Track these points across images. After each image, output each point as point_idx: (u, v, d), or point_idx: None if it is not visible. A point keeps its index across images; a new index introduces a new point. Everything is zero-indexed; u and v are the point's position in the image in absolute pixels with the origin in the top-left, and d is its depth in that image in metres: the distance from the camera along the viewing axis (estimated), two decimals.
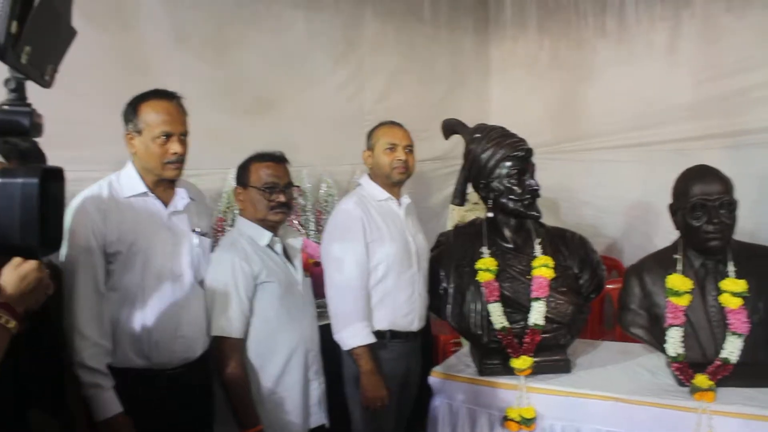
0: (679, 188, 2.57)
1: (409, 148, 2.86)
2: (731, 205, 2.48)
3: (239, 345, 2.41)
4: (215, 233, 2.99)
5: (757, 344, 2.45)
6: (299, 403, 2.52)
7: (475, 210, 3.89)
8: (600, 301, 4.01)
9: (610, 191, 4.61)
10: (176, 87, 2.38)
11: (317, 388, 2.61)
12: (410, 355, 2.87)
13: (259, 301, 2.44)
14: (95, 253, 2.17)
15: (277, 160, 2.55)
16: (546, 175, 4.73)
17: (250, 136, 3.20)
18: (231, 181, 2.65)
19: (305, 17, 4.02)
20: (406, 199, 2.90)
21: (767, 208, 3.65)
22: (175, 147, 2.26)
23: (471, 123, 2.93)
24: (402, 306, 2.78)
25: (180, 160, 2.30)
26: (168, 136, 2.26)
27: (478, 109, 4.92)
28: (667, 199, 2.65)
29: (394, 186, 2.86)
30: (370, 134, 2.90)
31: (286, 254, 2.58)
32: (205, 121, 3.14)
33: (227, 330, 2.38)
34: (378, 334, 2.73)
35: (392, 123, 2.91)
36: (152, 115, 2.25)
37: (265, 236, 2.50)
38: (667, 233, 2.77)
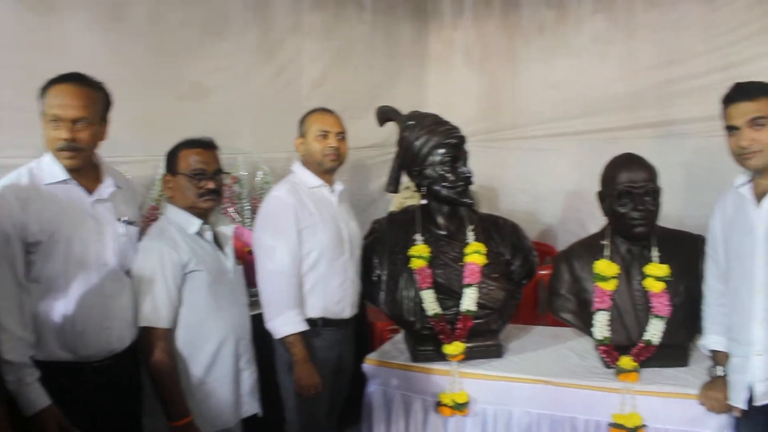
0: (606, 176, 2.64)
1: (341, 135, 2.84)
2: (656, 193, 2.55)
3: (167, 335, 2.35)
4: (148, 221, 2.92)
5: (678, 326, 2.54)
6: (231, 392, 2.49)
7: (414, 197, 3.91)
8: (534, 286, 4.09)
9: (544, 179, 4.71)
10: (106, 71, 2.30)
11: (249, 377, 2.59)
12: (343, 342, 2.87)
13: (187, 290, 2.39)
14: (14, 243, 2.08)
15: (206, 146, 2.50)
16: (483, 163, 4.81)
17: (185, 123, 3.12)
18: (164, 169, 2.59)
19: (243, 2, 3.96)
20: (339, 186, 2.89)
21: (693, 194, 3.77)
22: (61, 133, 2.14)
23: (408, 110, 2.93)
24: (334, 293, 2.77)
25: (72, 148, 2.16)
26: (58, 120, 2.14)
27: (415, 97, 4.94)
28: (598, 186, 2.71)
29: (326, 173, 2.84)
30: (302, 121, 2.87)
31: (217, 242, 2.54)
32: (138, 107, 3.10)
33: (154, 320, 2.33)
34: (310, 321, 2.72)
35: (324, 110, 2.88)
36: (49, 98, 2.15)
37: (194, 224, 2.45)
38: (599, 219, 2.82)
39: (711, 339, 2.44)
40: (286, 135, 3.02)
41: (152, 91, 3.42)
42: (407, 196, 4.01)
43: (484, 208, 4.62)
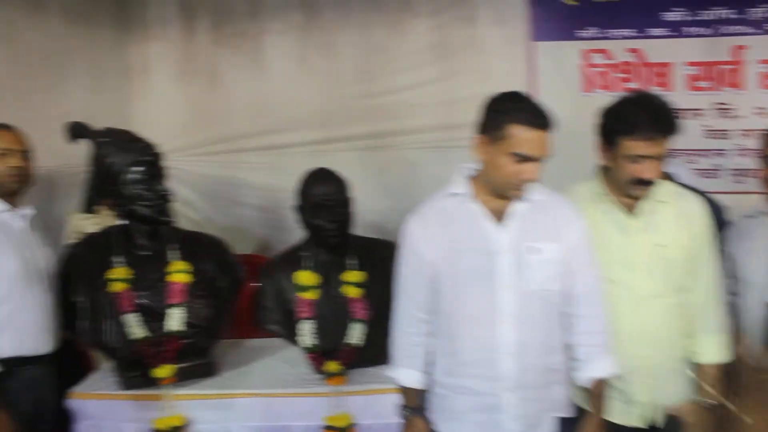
0: (301, 190, 2.74)
1: (26, 154, 2.63)
2: (347, 204, 2.71)
3: None
4: None
5: (376, 327, 2.72)
6: None
7: (93, 219, 3.69)
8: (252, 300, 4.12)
9: (261, 191, 4.76)
10: None
11: None
12: (43, 379, 2.65)
13: None
14: None
15: None
16: (198, 179, 4.76)
17: None
18: None
19: None
20: (28, 211, 2.67)
21: (388, 202, 4.08)
22: None
23: (112, 126, 2.77)
24: (29, 328, 2.56)
25: None
26: None
27: (118, 113, 4.65)
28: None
29: (11, 196, 2.61)
30: None
31: None
32: None
33: None
34: (2, 362, 2.47)
35: (3, 126, 2.64)
36: None
37: None
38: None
39: None
40: None
41: None
42: (84, 218, 3.77)
43: (202, 225, 4.56)
